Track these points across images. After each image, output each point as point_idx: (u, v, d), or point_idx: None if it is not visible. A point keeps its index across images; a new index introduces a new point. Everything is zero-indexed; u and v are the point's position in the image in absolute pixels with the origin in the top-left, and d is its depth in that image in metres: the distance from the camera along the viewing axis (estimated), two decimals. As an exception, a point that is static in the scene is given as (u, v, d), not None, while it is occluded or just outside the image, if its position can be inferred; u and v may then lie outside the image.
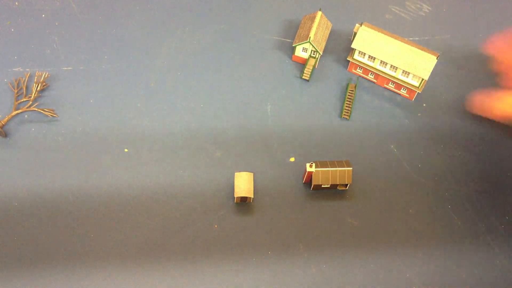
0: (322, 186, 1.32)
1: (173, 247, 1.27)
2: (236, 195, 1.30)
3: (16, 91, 1.43)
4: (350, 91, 1.47)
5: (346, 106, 1.46)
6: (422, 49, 1.40)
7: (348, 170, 1.30)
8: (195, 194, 1.34)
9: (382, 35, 1.42)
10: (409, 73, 1.50)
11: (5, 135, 1.39)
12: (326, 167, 1.33)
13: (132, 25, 1.60)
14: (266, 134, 1.44)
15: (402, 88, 1.55)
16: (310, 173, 1.32)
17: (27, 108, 1.40)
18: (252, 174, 1.35)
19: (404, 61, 1.41)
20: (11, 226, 1.28)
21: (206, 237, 1.28)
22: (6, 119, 1.37)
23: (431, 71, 1.41)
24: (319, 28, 1.49)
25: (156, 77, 1.51)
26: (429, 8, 1.72)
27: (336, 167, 1.31)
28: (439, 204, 1.46)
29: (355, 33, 1.46)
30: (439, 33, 1.66)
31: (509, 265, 1.41)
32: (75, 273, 1.23)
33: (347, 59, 1.53)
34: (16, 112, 1.39)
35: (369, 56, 1.48)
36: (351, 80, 1.52)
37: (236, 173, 1.34)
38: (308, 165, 1.30)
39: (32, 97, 1.42)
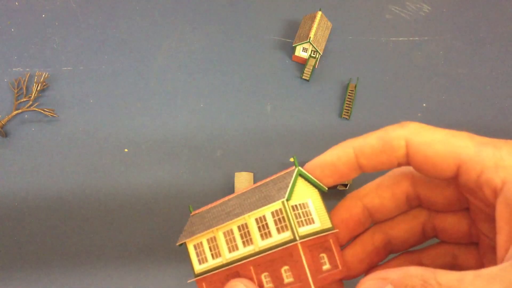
0: (322, 186, 1.32)
1: (173, 247, 1.27)
2: (236, 195, 1.30)
3: (16, 91, 1.43)
4: (350, 91, 1.47)
5: (346, 106, 1.46)
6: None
7: (348, 170, 1.30)
8: (195, 194, 1.34)
9: None
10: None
11: (5, 135, 1.39)
12: (326, 167, 1.33)
13: (132, 25, 1.61)
14: (266, 134, 1.44)
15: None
16: (310, 173, 1.31)
17: (27, 108, 1.40)
18: (252, 174, 1.35)
19: None
20: (11, 226, 1.28)
21: (206, 237, 1.28)
22: (6, 119, 1.37)
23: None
24: (319, 28, 1.48)
25: (156, 77, 1.51)
26: (429, 8, 1.72)
27: (336, 167, 1.31)
28: (439, 204, 1.45)
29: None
30: (439, 33, 1.66)
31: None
32: (75, 273, 1.23)
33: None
34: (16, 112, 1.39)
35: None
36: (351, 80, 1.52)
37: (236, 173, 1.34)
38: (308, 165, 1.30)
39: (32, 97, 1.42)
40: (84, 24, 1.60)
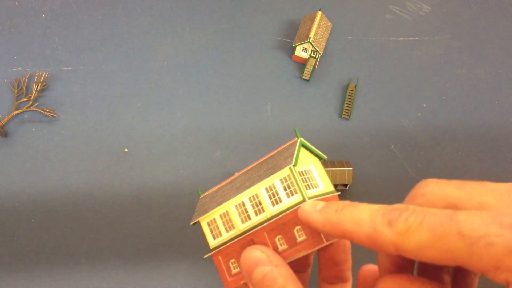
0: (322, 186, 1.32)
1: (173, 247, 1.27)
2: (236, 195, 1.30)
3: (16, 91, 1.43)
4: (350, 91, 1.47)
5: (346, 106, 1.46)
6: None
7: (348, 170, 1.30)
8: (195, 194, 1.34)
9: None
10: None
11: (5, 135, 1.39)
12: (326, 167, 1.33)
13: (132, 25, 1.61)
14: (266, 134, 1.44)
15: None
16: (310, 173, 1.32)
17: (27, 108, 1.40)
18: (252, 174, 1.35)
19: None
20: (11, 226, 1.28)
21: (206, 237, 1.29)
22: (6, 119, 1.37)
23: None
24: (319, 28, 1.48)
25: (156, 77, 1.51)
26: (429, 8, 1.72)
27: (336, 167, 1.31)
28: (439, 204, 1.46)
29: None
30: (439, 33, 1.66)
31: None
32: (75, 273, 1.23)
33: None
34: (16, 112, 1.39)
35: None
36: (351, 80, 1.52)
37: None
38: (308, 165, 1.30)
39: (32, 97, 1.42)
40: (84, 24, 1.60)
